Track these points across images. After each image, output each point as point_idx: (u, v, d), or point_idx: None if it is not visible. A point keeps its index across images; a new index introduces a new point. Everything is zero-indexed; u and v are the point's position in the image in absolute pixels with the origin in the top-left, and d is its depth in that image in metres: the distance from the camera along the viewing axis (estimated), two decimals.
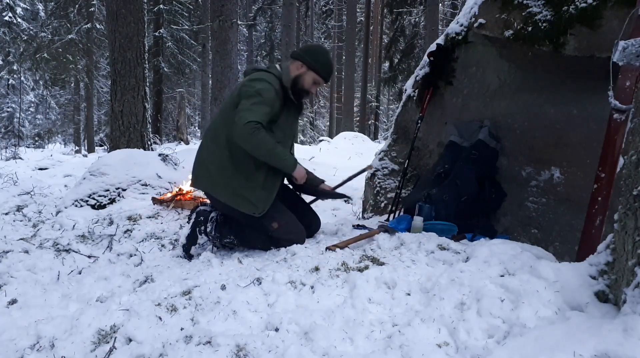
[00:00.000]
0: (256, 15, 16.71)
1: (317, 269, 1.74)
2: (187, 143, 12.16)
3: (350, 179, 2.92)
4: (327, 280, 1.64)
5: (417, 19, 15.85)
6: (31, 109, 18.63)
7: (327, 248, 1.97)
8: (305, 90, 2.22)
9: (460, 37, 2.69)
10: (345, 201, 2.26)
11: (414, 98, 3.07)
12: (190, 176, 2.46)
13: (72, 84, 17.38)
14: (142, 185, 3.37)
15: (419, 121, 2.90)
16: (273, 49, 19.39)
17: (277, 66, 2.25)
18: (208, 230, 2.26)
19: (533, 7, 2.14)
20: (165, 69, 13.93)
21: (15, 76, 15.69)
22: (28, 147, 14.61)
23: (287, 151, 2.22)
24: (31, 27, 13.71)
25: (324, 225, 2.51)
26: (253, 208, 2.11)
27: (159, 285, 1.77)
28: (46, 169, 6.85)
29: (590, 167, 1.98)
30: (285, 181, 2.34)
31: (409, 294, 1.53)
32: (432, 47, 2.89)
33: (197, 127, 21.08)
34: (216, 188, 2.18)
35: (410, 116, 3.12)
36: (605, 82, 1.68)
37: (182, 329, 1.45)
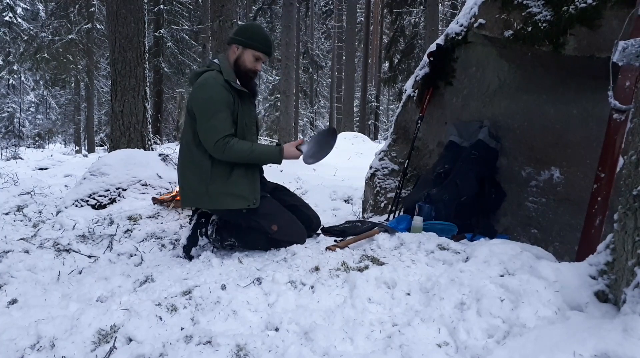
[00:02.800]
0: (256, 16, 16.70)
1: (317, 269, 1.74)
2: None
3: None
4: (327, 280, 1.64)
5: (417, 19, 15.86)
6: (31, 109, 18.64)
7: (327, 248, 1.97)
8: (249, 70, 2.16)
9: (460, 38, 2.69)
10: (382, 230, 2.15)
11: (414, 98, 3.07)
12: None
13: (73, 84, 17.38)
14: (143, 185, 3.37)
15: (419, 121, 2.90)
16: (273, 50, 19.35)
17: (215, 60, 2.19)
18: (209, 232, 2.26)
19: (533, 7, 2.15)
20: (166, 69, 13.93)
21: (15, 76, 15.70)
22: (28, 147, 14.61)
23: (266, 145, 2.18)
24: (31, 27, 13.71)
25: (324, 224, 2.51)
26: (244, 200, 2.09)
27: (159, 285, 1.78)
28: (46, 169, 6.85)
29: (590, 167, 1.98)
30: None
31: (408, 294, 1.53)
32: (432, 47, 2.89)
33: None
34: (202, 199, 2.15)
35: (410, 116, 3.12)
36: (605, 82, 1.68)
37: (182, 329, 1.45)
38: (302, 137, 19.01)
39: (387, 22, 19.82)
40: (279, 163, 2.16)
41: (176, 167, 3.70)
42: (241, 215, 2.13)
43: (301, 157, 2.19)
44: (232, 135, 2.07)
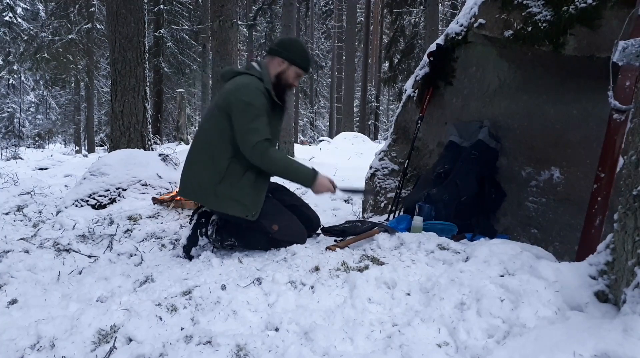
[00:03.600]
0: (256, 16, 16.70)
1: (317, 269, 1.74)
2: (187, 143, 12.16)
3: (349, 190, 2.61)
4: (327, 280, 1.64)
5: (417, 19, 15.86)
6: (31, 109, 18.64)
7: (327, 248, 1.97)
8: (289, 85, 2.20)
9: (460, 38, 2.69)
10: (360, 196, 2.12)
11: (414, 98, 3.07)
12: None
13: (73, 84, 17.38)
14: (143, 185, 3.37)
15: (419, 121, 2.90)
16: None
17: (255, 65, 2.19)
18: (209, 233, 2.26)
19: (533, 7, 2.15)
20: (166, 69, 13.93)
21: (15, 76, 15.70)
22: (28, 147, 14.60)
23: (303, 164, 2.16)
24: (31, 27, 13.71)
25: (324, 224, 2.51)
26: (245, 210, 2.09)
27: (159, 285, 1.78)
28: (46, 169, 6.85)
29: (590, 167, 1.98)
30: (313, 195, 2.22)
31: (408, 294, 1.53)
32: (432, 47, 2.89)
33: (197, 128, 21.06)
34: (205, 196, 2.14)
35: (410, 116, 3.12)
36: (605, 82, 1.68)
37: (182, 329, 1.45)
38: (302, 138, 18.98)
39: (387, 22, 19.82)
40: (310, 186, 2.13)
41: (176, 166, 3.71)
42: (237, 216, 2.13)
43: (333, 188, 2.16)
44: (271, 140, 2.09)
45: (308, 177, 2.12)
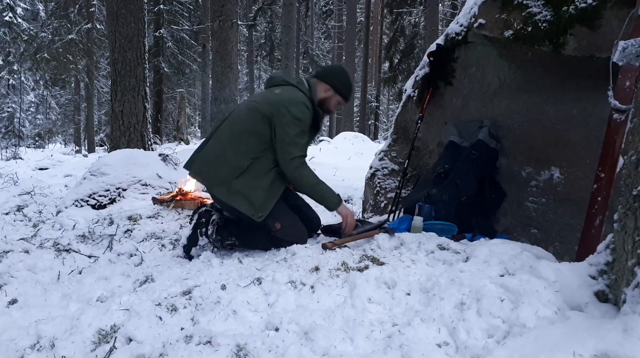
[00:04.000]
0: (256, 16, 16.70)
1: (317, 269, 1.74)
2: (187, 143, 12.16)
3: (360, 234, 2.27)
4: (327, 280, 1.64)
5: (417, 19, 15.86)
6: (31, 109, 18.64)
7: (323, 246, 1.96)
8: (328, 111, 2.32)
9: (460, 38, 2.69)
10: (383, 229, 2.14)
11: (414, 98, 3.07)
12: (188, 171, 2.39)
13: (73, 84, 17.38)
14: (143, 185, 3.37)
15: (419, 121, 2.90)
16: (273, 49, 19.40)
17: (305, 82, 2.27)
18: (209, 232, 2.26)
19: (533, 7, 2.15)
20: (166, 69, 13.93)
21: (15, 76, 15.70)
22: (28, 147, 14.60)
23: (329, 187, 2.20)
24: (31, 27, 13.71)
25: (324, 224, 2.50)
26: (252, 209, 2.09)
27: (159, 285, 1.78)
28: (46, 169, 6.85)
29: (590, 167, 1.98)
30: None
31: (409, 294, 1.53)
32: (432, 47, 2.89)
33: (197, 127, 21.07)
34: (218, 185, 2.15)
35: (410, 116, 3.12)
36: (605, 82, 1.68)
37: (182, 329, 1.45)
38: None
39: (387, 22, 19.82)
40: (332, 210, 2.19)
41: (176, 166, 3.71)
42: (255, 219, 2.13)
43: (354, 224, 2.19)
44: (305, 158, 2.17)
45: (333, 202, 2.18)
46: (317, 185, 2.16)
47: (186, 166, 2.30)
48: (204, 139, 2.34)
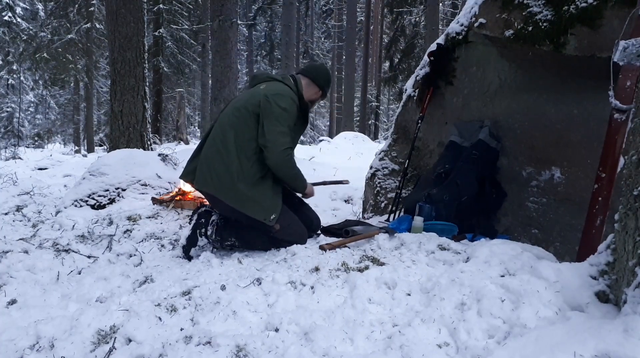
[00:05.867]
0: (256, 15, 16.70)
1: (317, 269, 1.74)
2: (186, 142, 12.16)
3: (323, 183, 3.08)
4: (327, 280, 1.64)
5: (417, 18, 15.85)
6: (31, 109, 18.62)
7: (321, 247, 1.96)
8: (310, 107, 2.41)
9: (460, 37, 2.69)
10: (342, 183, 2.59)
11: (415, 98, 3.07)
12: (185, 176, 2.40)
13: (72, 84, 17.35)
14: (142, 185, 3.36)
15: (419, 121, 2.90)
16: (273, 49, 19.39)
17: (291, 78, 2.33)
18: (209, 233, 2.25)
19: (533, 7, 2.14)
20: (165, 68, 13.91)
21: (14, 75, 15.68)
22: (27, 147, 14.60)
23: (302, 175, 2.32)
24: (31, 27, 13.69)
25: (324, 225, 2.50)
26: (265, 213, 2.09)
27: (159, 285, 1.77)
28: (46, 169, 6.84)
29: (591, 167, 1.98)
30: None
31: (409, 294, 1.53)
32: (433, 47, 2.89)
33: (197, 127, 21.07)
34: (226, 192, 2.12)
35: (411, 116, 3.11)
36: (606, 82, 1.68)
37: (181, 329, 1.45)
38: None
39: (387, 21, 19.82)
40: (303, 192, 2.37)
41: (175, 166, 3.70)
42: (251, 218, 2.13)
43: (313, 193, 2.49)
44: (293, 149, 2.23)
45: (304, 186, 2.35)
46: (298, 174, 2.23)
47: (184, 177, 2.29)
48: (197, 145, 2.37)
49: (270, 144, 2.08)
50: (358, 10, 19.38)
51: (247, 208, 2.10)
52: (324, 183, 2.84)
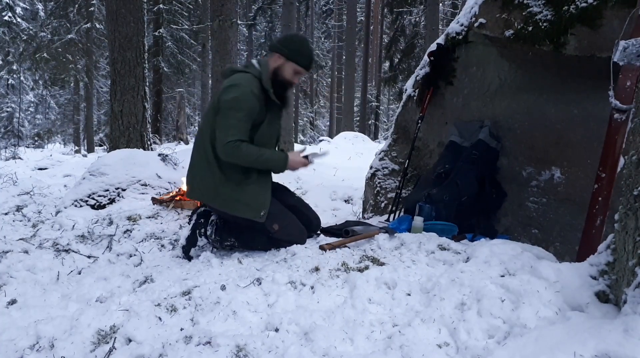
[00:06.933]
0: (256, 15, 16.70)
1: (317, 269, 1.74)
2: (186, 142, 12.16)
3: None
4: (327, 280, 1.64)
5: (417, 18, 15.85)
6: (31, 109, 18.62)
7: (321, 247, 1.96)
8: (287, 81, 2.15)
9: (460, 37, 2.69)
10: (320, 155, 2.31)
11: (415, 98, 3.07)
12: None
13: (72, 84, 17.35)
14: (142, 185, 3.36)
15: (419, 121, 2.90)
16: None
17: (255, 62, 2.16)
18: (208, 233, 2.25)
19: (533, 7, 2.14)
20: (165, 69, 13.91)
21: (14, 75, 15.68)
22: (27, 147, 14.59)
23: (273, 151, 2.17)
24: (31, 27, 13.69)
25: (324, 225, 2.50)
26: (254, 211, 2.09)
27: (159, 285, 1.77)
28: (46, 169, 6.84)
29: (591, 167, 1.98)
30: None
31: (409, 294, 1.53)
32: (433, 47, 2.89)
33: (197, 127, 21.06)
34: (212, 197, 2.14)
35: (411, 116, 3.12)
36: (606, 82, 1.68)
37: (181, 329, 1.45)
38: (301, 139, 18.99)
39: (387, 21, 19.82)
40: (283, 171, 2.17)
41: (175, 166, 3.70)
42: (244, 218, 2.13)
43: (306, 163, 2.22)
44: (246, 141, 2.06)
45: (280, 164, 2.14)
46: (259, 157, 2.06)
47: (187, 195, 2.34)
48: None
49: (217, 141, 2.02)
50: (358, 10, 19.38)
51: (236, 209, 2.10)
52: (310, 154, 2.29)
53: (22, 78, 16.02)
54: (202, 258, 2.08)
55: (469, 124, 2.67)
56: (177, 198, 3.10)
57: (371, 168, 3.37)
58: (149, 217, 2.91)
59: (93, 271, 2.18)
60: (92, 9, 13.35)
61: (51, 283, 2.10)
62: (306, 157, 2.24)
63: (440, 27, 11.60)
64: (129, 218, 2.87)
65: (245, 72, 2.12)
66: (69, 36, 12.86)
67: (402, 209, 2.80)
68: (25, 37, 13.52)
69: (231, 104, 2.02)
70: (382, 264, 1.76)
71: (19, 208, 3.18)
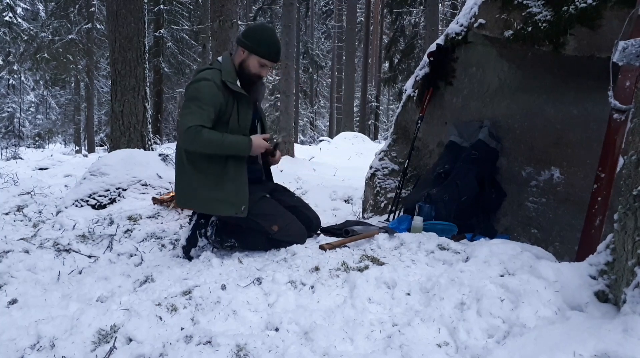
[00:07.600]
0: (256, 15, 16.71)
1: (317, 269, 1.74)
2: None
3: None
4: (327, 280, 1.65)
5: (417, 19, 15.86)
6: (31, 109, 18.63)
7: (321, 247, 1.96)
8: (253, 75, 2.13)
9: (460, 37, 2.69)
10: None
11: (414, 98, 3.07)
12: None
13: (73, 84, 17.38)
14: (143, 185, 3.37)
15: (419, 121, 2.90)
16: None
17: (220, 58, 2.17)
18: (209, 233, 2.26)
19: (533, 7, 2.15)
20: (166, 69, 13.92)
21: (15, 76, 15.69)
22: (28, 147, 14.60)
23: (237, 136, 2.09)
24: (31, 27, 13.70)
25: (324, 225, 2.51)
26: (235, 207, 2.07)
27: (159, 285, 1.77)
28: (46, 169, 6.84)
29: (590, 167, 1.98)
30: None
31: (409, 294, 1.53)
32: (432, 47, 2.89)
33: None
34: (192, 200, 2.15)
35: (410, 116, 3.12)
36: (605, 82, 1.68)
37: (182, 329, 1.45)
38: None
39: (387, 22, 19.83)
40: (248, 154, 2.10)
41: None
42: (240, 217, 2.13)
43: (268, 146, 2.18)
44: (207, 128, 2.01)
45: (244, 147, 2.08)
46: (222, 142, 2.01)
47: (177, 204, 2.37)
48: None
49: (178, 130, 2.05)
50: (358, 10, 19.39)
51: (216, 209, 2.11)
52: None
53: (22, 78, 16.03)
54: (203, 258, 2.09)
55: (468, 125, 2.67)
56: None
57: (371, 168, 3.37)
58: (150, 217, 2.92)
59: (94, 271, 2.18)
60: (92, 9, 13.37)
61: (52, 283, 2.10)
62: (270, 141, 2.22)
63: (440, 28, 11.60)
64: (129, 218, 2.88)
65: (209, 68, 2.15)
66: (70, 36, 12.88)
67: (402, 209, 2.80)
68: (26, 38, 13.53)
69: (191, 93, 2.04)
70: (382, 264, 1.77)
71: (19, 208, 3.18)
